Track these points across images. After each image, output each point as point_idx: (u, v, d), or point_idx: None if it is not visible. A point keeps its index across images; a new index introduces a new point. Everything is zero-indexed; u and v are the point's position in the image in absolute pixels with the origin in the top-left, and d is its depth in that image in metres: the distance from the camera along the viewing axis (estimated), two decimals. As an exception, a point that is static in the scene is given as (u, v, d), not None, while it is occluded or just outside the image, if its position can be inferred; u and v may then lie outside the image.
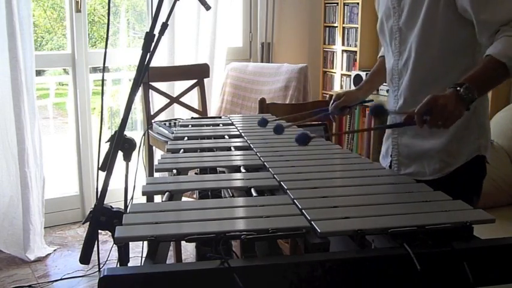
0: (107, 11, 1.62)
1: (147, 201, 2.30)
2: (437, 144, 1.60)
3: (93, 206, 1.41)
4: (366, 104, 2.05)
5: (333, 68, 4.40)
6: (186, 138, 2.00)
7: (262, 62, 4.17)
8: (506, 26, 1.39)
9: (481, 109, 1.61)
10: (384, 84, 1.83)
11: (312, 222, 1.09)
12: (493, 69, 1.37)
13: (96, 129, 3.66)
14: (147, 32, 1.51)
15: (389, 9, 1.64)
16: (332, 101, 1.91)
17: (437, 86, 1.49)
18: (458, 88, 1.32)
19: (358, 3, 4.07)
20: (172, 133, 2.18)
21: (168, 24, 1.58)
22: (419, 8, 1.53)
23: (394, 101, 1.70)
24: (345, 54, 4.27)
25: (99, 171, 1.49)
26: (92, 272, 2.89)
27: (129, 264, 1.35)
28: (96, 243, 1.42)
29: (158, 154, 3.00)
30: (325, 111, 1.96)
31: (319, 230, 1.05)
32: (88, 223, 1.42)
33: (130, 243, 1.19)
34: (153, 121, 3.07)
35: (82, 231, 3.46)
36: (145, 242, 1.05)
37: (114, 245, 1.16)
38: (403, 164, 1.70)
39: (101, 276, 0.92)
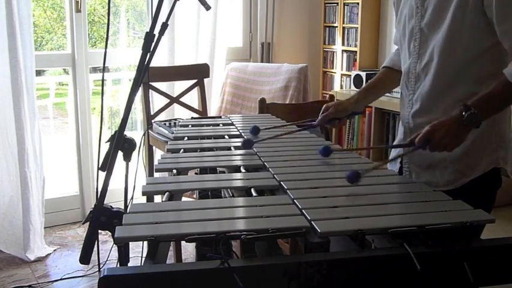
0: (107, 11, 1.62)
1: (147, 201, 2.30)
2: (452, 154, 1.46)
3: (93, 206, 1.42)
4: (356, 115, 1.93)
5: (333, 68, 4.40)
6: (186, 138, 2.00)
7: (262, 62, 4.17)
8: None
9: (502, 119, 1.52)
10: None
11: (312, 222, 1.09)
12: (506, 92, 1.34)
13: (96, 129, 3.66)
14: (147, 32, 1.51)
15: (412, 8, 1.55)
16: (321, 112, 1.78)
17: (458, 94, 1.45)
18: (463, 113, 1.31)
19: (358, 3, 4.06)
20: (172, 133, 2.18)
21: (168, 24, 1.58)
22: (445, 11, 1.44)
23: (408, 106, 1.60)
24: (345, 54, 4.27)
25: (99, 171, 1.50)
26: (92, 272, 2.89)
27: (129, 264, 1.35)
28: (96, 243, 1.42)
29: (158, 154, 3.00)
30: (311, 124, 1.85)
31: (319, 230, 1.05)
32: (88, 223, 1.42)
33: (130, 243, 1.19)
34: (153, 121, 3.07)
35: (82, 231, 3.46)
36: (145, 242, 1.05)
37: (114, 245, 1.16)
38: (414, 172, 1.60)
39: (101, 276, 0.92)
